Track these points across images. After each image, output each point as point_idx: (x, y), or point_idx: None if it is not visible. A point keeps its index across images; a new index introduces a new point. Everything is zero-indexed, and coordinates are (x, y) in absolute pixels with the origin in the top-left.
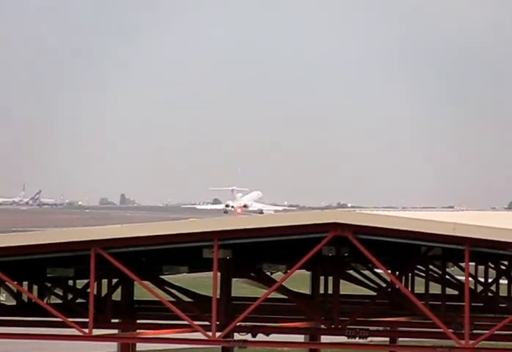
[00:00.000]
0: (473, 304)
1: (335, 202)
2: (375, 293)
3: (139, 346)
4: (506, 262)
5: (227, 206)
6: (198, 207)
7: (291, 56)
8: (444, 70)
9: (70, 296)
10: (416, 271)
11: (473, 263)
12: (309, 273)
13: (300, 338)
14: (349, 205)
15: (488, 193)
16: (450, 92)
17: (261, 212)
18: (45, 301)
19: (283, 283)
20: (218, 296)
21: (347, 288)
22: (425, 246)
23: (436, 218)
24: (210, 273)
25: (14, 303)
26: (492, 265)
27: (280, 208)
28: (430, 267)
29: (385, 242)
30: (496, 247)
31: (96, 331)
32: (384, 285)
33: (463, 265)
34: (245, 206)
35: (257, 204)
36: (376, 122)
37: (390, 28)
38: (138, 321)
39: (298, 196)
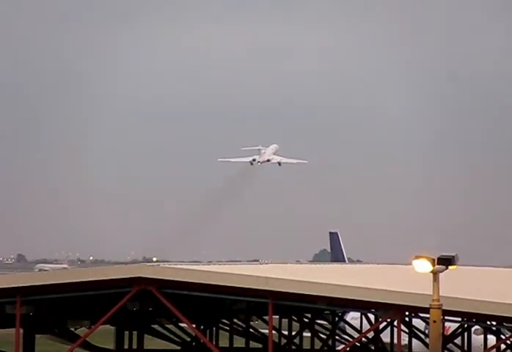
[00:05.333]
0: None
1: (140, 256)
2: (179, 348)
3: None
4: (309, 315)
5: (253, 160)
6: (232, 160)
7: None
8: None
9: None
10: (220, 325)
11: (277, 316)
12: (113, 328)
13: None
14: (154, 259)
15: (294, 246)
16: None
17: (279, 163)
18: None
19: (87, 338)
20: None
21: (151, 343)
22: (229, 299)
23: (241, 272)
24: (13, 330)
25: None
26: (296, 318)
27: (295, 161)
28: (235, 320)
29: (190, 296)
30: (300, 300)
31: None
32: (189, 339)
33: (267, 318)
34: (268, 160)
35: (276, 157)
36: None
37: None
38: None
39: (101, 250)
